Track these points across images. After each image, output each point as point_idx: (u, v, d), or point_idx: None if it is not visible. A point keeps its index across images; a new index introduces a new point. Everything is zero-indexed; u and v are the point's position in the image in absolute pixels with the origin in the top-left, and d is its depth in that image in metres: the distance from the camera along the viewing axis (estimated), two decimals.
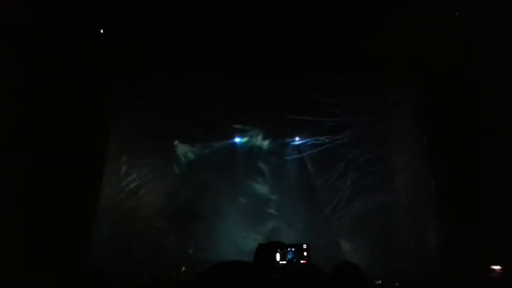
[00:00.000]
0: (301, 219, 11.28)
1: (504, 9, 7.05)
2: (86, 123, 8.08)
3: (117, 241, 9.34)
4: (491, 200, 7.27)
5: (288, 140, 12.04)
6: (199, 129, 11.30)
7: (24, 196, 7.02)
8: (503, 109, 7.48)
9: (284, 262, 2.31)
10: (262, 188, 11.74)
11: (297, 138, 12.07)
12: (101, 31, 7.78)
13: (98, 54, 8.13)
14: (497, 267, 6.51)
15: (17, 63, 7.20)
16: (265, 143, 11.86)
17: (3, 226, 6.60)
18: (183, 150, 11.88)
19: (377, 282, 7.43)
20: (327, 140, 11.03)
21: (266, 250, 2.22)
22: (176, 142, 11.82)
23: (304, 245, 2.36)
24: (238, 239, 11.12)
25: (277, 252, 2.30)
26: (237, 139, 12.13)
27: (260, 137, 11.84)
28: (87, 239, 7.72)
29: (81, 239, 7.51)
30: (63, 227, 7.16)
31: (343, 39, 7.85)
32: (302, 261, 2.30)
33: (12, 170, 6.98)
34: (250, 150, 11.98)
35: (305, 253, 2.33)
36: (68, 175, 7.58)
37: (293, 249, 2.31)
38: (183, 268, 10.44)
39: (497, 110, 7.59)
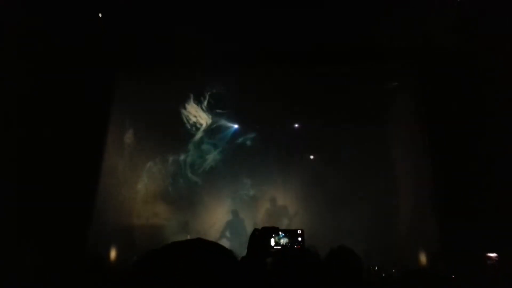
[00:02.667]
0: (300, 206, 11.32)
1: (505, 8, 7.05)
2: (85, 123, 8.08)
3: (115, 227, 9.35)
4: (491, 199, 7.23)
5: (288, 131, 12.07)
6: (202, 118, 11.36)
7: (24, 196, 7.01)
8: (503, 109, 7.45)
9: (279, 247, 2.29)
10: (262, 175, 11.75)
11: (296, 126, 12.13)
12: (100, 15, 7.70)
13: (98, 54, 8.14)
14: (494, 256, 6.45)
15: (17, 63, 7.21)
16: (266, 133, 11.90)
17: (2, 226, 6.59)
18: (182, 141, 11.90)
19: (374, 268, 7.35)
20: (326, 136, 11.07)
21: (260, 235, 2.21)
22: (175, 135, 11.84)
23: (299, 230, 2.32)
24: (237, 224, 11.15)
25: (272, 237, 2.28)
26: (238, 127, 12.18)
27: (261, 126, 11.91)
28: (87, 238, 7.71)
29: (80, 237, 7.51)
30: (63, 226, 7.16)
31: (342, 37, 7.84)
32: (296, 246, 2.28)
33: (12, 170, 6.98)
34: (251, 138, 12.03)
35: (299, 238, 2.31)
36: (68, 174, 7.57)
37: (287, 234, 2.28)
38: None
39: (497, 109, 7.56)
